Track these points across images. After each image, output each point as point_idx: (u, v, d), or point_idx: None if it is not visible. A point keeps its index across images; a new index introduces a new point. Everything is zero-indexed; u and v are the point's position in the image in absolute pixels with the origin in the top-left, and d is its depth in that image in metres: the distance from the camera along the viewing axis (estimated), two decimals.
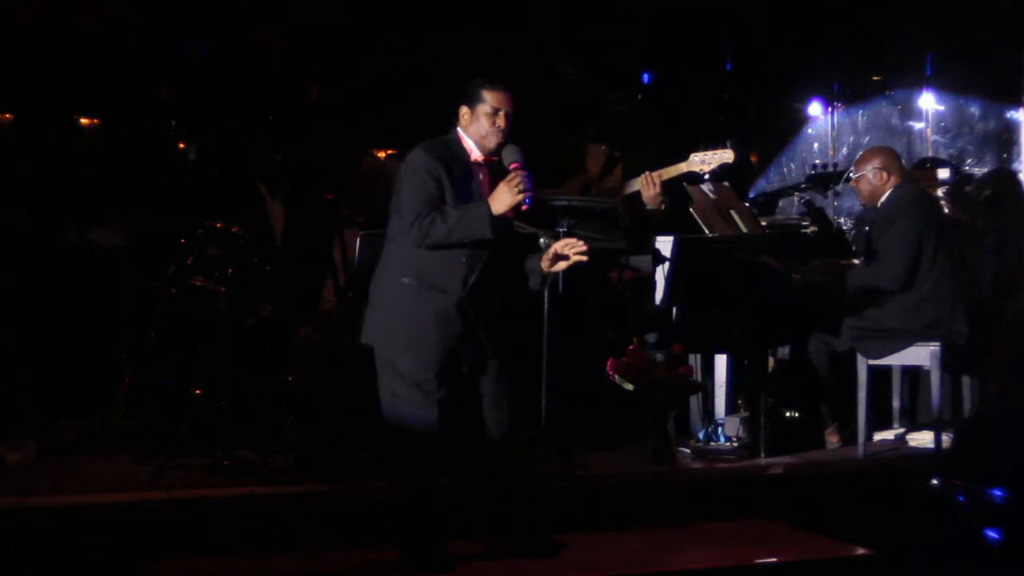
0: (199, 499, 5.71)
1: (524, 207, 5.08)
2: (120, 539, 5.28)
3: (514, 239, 5.36)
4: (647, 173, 6.78)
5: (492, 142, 5.21)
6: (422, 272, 5.14)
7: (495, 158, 5.23)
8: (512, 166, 5.13)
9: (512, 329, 5.31)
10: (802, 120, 9.89)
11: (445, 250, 5.11)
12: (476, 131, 5.23)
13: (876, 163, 6.92)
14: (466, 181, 5.19)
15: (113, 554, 5.20)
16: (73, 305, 7.36)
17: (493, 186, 5.15)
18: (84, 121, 8.43)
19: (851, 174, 7.10)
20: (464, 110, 5.25)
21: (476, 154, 5.24)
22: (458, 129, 5.27)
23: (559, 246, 5.26)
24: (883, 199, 6.89)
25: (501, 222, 5.11)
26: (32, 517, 5.41)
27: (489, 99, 5.20)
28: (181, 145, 8.54)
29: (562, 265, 5.26)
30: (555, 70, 9.33)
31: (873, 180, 6.90)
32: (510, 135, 5.22)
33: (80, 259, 7.69)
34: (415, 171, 5.16)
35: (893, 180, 6.88)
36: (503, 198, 5.06)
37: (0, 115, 8.24)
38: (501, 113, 5.19)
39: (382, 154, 8.51)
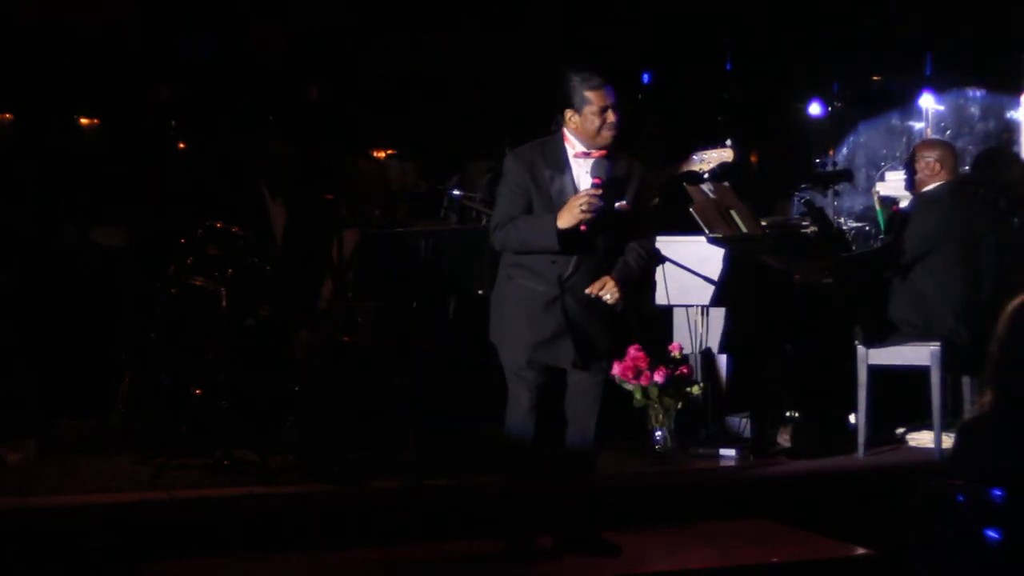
0: (199, 499, 5.71)
1: (583, 228, 5.01)
2: (120, 539, 5.28)
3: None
4: None
5: (606, 138, 5.13)
6: (522, 267, 5.17)
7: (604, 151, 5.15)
8: (594, 181, 5.06)
9: (619, 327, 5.29)
10: (803, 120, 9.88)
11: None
12: (586, 131, 5.14)
13: (935, 155, 6.90)
14: (557, 183, 5.14)
15: (113, 554, 5.19)
16: (73, 305, 7.36)
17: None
18: (84, 121, 8.43)
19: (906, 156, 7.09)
20: (570, 113, 5.17)
21: (579, 148, 5.17)
22: (564, 130, 5.20)
23: None
24: (924, 190, 6.89)
25: (572, 233, 5.02)
26: (32, 517, 5.41)
27: (595, 99, 5.11)
28: (181, 145, 8.54)
29: None
30: (555, 70, 9.31)
31: (924, 169, 6.90)
32: (620, 128, 5.14)
33: (80, 259, 7.69)
34: (504, 180, 5.23)
35: (943, 176, 6.87)
36: (566, 216, 5.01)
37: (0, 115, 8.24)
38: (610, 110, 5.12)
39: (382, 154, 8.50)
